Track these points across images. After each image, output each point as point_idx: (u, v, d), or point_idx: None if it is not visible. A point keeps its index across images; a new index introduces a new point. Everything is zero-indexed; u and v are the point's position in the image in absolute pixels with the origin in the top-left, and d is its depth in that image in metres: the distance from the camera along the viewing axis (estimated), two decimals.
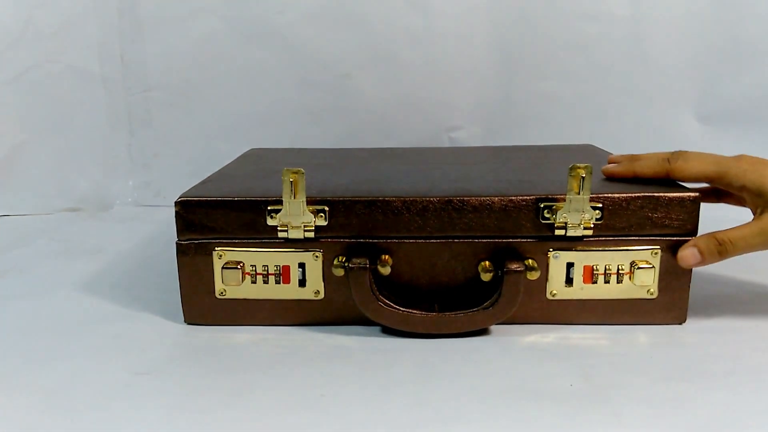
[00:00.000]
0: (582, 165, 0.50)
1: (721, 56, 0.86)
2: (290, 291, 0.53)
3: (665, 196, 0.51)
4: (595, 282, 0.52)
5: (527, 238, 0.52)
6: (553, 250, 0.52)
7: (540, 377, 0.45)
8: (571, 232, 0.51)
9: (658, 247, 0.52)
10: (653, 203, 0.51)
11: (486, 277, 0.52)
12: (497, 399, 0.43)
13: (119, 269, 0.70)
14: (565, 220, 0.51)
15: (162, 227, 0.87)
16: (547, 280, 0.53)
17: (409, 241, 0.52)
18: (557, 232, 0.52)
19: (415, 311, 0.51)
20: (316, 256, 0.53)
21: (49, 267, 0.71)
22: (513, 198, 0.51)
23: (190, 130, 0.96)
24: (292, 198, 0.51)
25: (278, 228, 0.52)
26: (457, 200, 0.52)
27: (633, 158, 0.58)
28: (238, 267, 0.53)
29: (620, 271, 0.52)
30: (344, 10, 0.90)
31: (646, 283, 0.52)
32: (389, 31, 0.90)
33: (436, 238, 0.52)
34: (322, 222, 0.52)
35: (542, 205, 0.51)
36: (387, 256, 0.52)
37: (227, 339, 0.52)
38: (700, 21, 0.82)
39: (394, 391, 0.44)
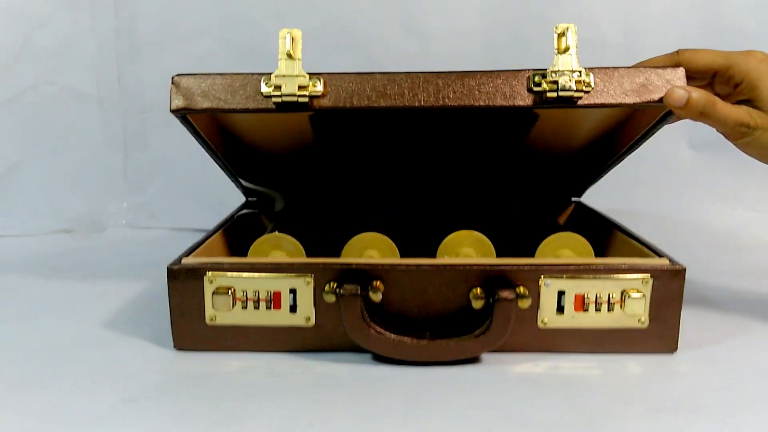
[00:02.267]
0: (565, 24, 0.50)
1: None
2: (281, 317, 0.53)
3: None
4: (586, 310, 0.52)
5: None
6: (545, 278, 0.52)
7: (530, 407, 0.45)
8: (564, 94, 0.51)
9: (649, 275, 0.52)
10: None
11: (477, 304, 0.51)
12: (487, 429, 0.42)
13: (110, 293, 0.69)
14: (555, 80, 0.51)
15: (155, 249, 0.86)
16: (538, 308, 0.52)
17: (400, 268, 0.52)
18: (549, 95, 0.51)
19: (405, 339, 0.51)
20: (308, 282, 0.53)
21: (39, 290, 0.71)
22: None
23: (186, 152, 0.95)
24: (288, 57, 0.50)
25: (272, 95, 0.51)
26: None
27: (640, 64, 0.57)
28: (229, 293, 0.52)
29: (611, 300, 0.52)
30: (341, 34, 0.90)
31: (636, 312, 0.52)
32: (385, 56, 0.91)
33: (427, 266, 0.52)
34: (316, 90, 0.51)
35: (533, 74, 0.52)
36: (378, 282, 0.52)
37: (217, 365, 0.52)
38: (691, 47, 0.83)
39: (383, 421, 0.44)
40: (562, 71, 0.51)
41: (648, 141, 0.88)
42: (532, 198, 0.77)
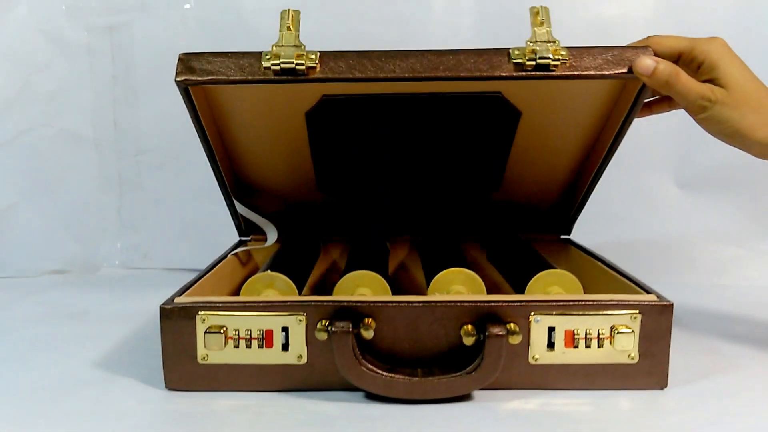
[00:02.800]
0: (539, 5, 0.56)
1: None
2: (273, 356, 0.53)
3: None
4: (577, 346, 0.53)
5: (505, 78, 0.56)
6: (535, 314, 0.53)
7: None
8: (541, 61, 0.55)
9: (638, 311, 0.52)
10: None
11: (468, 341, 0.52)
12: None
13: (103, 333, 0.69)
14: (533, 48, 0.55)
15: (148, 290, 0.86)
16: (529, 344, 0.53)
17: (391, 305, 0.53)
18: (528, 64, 0.55)
19: (397, 376, 0.51)
20: (300, 320, 0.53)
21: (32, 330, 0.71)
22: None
23: (180, 193, 0.97)
24: (287, 29, 0.55)
25: (271, 65, 0.55)
26: None
27: None
28: (221, 331, 0.53)
29: (600, 336, 0.53)
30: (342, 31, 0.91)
31: (626, 347, 0.52)
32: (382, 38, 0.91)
33: (418, 303, 0.53)
34: (312, 60, 0.55)
35: (513, 49, 0.56)
36: (370, 320, 0.52)
37: (208, 405, 0.52)
38: None
39: None
40: (539, 41, 0.56)
41: (636, 180, 0.90)
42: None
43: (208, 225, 0.97)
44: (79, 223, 0.97)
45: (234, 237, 0.81)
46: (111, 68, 0.93)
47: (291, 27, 0.56)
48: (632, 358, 0.53)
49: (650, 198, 0.92)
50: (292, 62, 0.55)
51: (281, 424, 0.49)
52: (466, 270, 0.60)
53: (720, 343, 0.65)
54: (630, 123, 0.63)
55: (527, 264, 0.65)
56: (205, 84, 0.58)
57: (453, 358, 0.53)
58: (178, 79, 0.57)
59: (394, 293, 0.60)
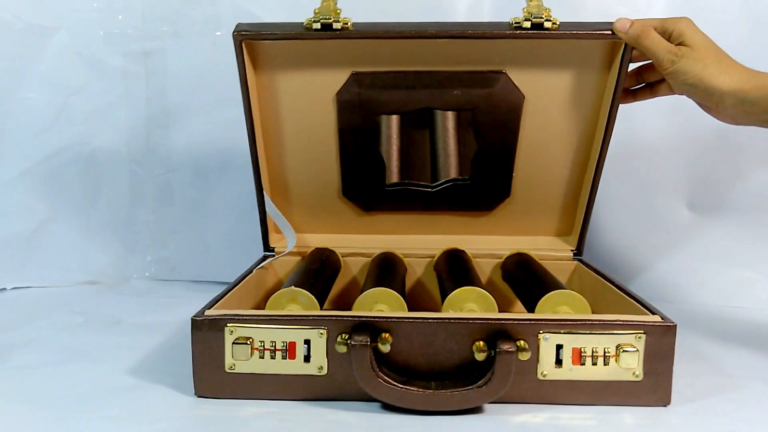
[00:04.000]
0: None
1: (712, 152, 0.91)
2: (295, 366, 0.57)
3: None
4: (584, 364, 0.55)
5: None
6: (544, 332, 0.55)
7: None
8: (536, 20, 0.67)
9: (642, 331, 0.55)
10: None
11: (480, 356, 0.55)
12: None
13: (135, 342, 0.73)
14: (529, 11, 0.68)
15: (176, 301, 0.90)
16: (537, 361, 0.56)
17: (407, 321, 0.56)
18: (524, 24, 0.68)
19: (412, 389, 0.54)
20: (321, 334, 0.56)
21: (67, 339, 0.75)
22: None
23: (207, 210, 1.01)
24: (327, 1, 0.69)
25: (313, 21, 0.68)
26: None
27: None
28: (248, 342, 0.56)
29: (606, 354, 0.55)
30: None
31: (631, 365, 0.55)
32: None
33: (433, 319, 0.56)
34: (347, 21, 0.69)
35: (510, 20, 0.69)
36: (387, 335, 0.56)
37: (235, 412, 0.55)
38: (689, 115, 0.88)
39: None
40: (533, 5, 0.69)
41: (648, 203, 0.92)
42: None
43: (233, 241, 1.01)
44: (111, 236, 1.01)
45: (258, 252, 0.85)
46: (145, 91, 0.98)
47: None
48: (636, 376, 0.55)
49: (661, 221, 0.94)
50: (330, 18, 0.68)
51: (302, 431, 0.52)
52: (479, 289, 0.63)
53: (725, 363, 0.67)
54: (619, 95, 0.73)
55: (538, 283, 0.68)
56: (255, 39, 0.71)
57: (465, 372, 0.56)
58: (235, 32, 0.65)
59: (410, 309, 0.64)
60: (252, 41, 0.72)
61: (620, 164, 0.93)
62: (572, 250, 0.84)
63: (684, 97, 0.68)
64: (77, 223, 1.01)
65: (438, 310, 0.65)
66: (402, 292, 0.67)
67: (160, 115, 0.98)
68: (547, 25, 0.68)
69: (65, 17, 0.96)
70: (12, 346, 0.72)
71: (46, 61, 0.96)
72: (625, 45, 0.69)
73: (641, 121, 0.91)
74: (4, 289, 0.97)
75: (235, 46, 0.70)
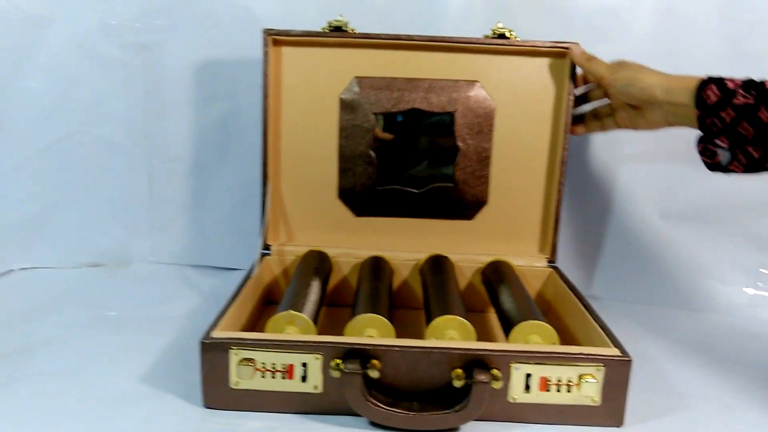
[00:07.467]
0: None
1: (682, 162, 0.96)
2: (294, 385, 0.64)
3: None
4: (549, 390, 0.63)
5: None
6: (514, 363, 0.62)
7: None
8: (500, 30, 0.87)
9: (602, 364, 0.62)
10: None
11: (458, 383, 0.62)
12: None
13: (143, 344, 0.78)
14: (496, 28, 0.87)
15: (177, 288, 0.97)
16: (508, 386, 0.63)
17: (395, 349, 0.63)
18: (491, 35, 0.87)
19: (397, 410, 0.61)
20: (317, 357, 0.63)
21: (79, 340, 0.79)
22: None
23: (206, 197, 1.05)
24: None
25: (328, 23, 0.87)
26: None
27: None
28: (251, 364, 0.63)
29: (569, 383, 0.63)
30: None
31: (590, 393, 0.62)
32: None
33: (417, 348, 0.63)
34: (354, 29, 0.87)
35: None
36: (376, 362, 0.62)
37: (239, 424, 0.62)
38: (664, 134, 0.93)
39: None
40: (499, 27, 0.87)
41: (621, 211, 0.98)
42: None
43: (230, 227, 1.06)
44: (112, 221, 1.06)
45: (252, 235, 0.92)
46: (143, 83, 1.00)
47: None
48: (595, 402, 0.63)
49: (633, 228, 1.00)
50: (341, 21, 0.86)
51: None
52: (460, 318, 0.69)
53: (681, 376, 0.76)
54: (570, 107, 0.87)
55: (513, 306, 0.74)
56: (279, 35, 0.86)
57: (444, 396, 0.63)
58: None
59: (396, 307, 0.74)
60: (278, 42, 0.87)
61: (600, 173, 0.98)
62: (546, 258, 0.90)
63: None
64: (80, 208, 1.05)
65: (420, 308, 0.82)
66: (389, 298, 0.77)
67: (157, 106, 1.01)
68: (509, 36, 0.86)
69: (63, 7, 0.97)
70: (30, 349, 0.77)
71: (45, 52, 0.98)
72: (573, 66, 0.86)
73: (617, 132, 0.95)
74: (12, 270, 1.02)
75: (264, 44, 0.85)
